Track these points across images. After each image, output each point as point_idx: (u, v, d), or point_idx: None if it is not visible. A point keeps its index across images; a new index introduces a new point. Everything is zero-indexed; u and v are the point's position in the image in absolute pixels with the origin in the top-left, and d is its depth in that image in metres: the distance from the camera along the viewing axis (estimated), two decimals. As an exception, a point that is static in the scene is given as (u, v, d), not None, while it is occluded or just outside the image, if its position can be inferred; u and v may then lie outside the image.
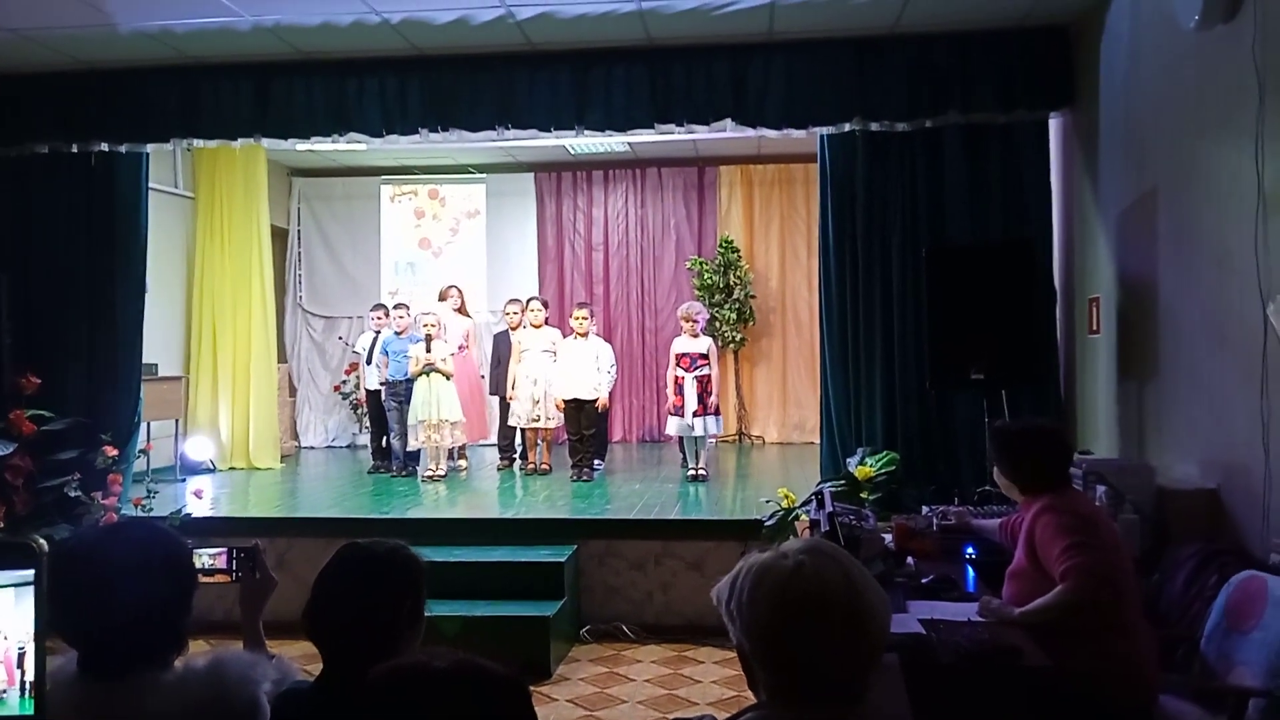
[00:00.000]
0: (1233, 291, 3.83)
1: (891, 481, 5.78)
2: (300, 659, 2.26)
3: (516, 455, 8.40)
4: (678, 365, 7.48)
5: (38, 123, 6.60)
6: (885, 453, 5.92)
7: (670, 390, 7.55)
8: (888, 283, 6.17)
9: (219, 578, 2.25)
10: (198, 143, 6.86)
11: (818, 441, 6.76)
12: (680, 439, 7.88)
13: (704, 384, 7.39)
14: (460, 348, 8.26)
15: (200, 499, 6.77)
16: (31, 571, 1.47)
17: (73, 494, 6.25)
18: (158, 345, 8.06)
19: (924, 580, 3.41)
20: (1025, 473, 3.20)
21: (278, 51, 6.20)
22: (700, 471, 7.47)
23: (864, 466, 5.79)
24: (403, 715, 1.37)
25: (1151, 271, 4.72)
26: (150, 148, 6.82)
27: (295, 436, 10.36)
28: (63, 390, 6.58)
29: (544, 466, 7.96)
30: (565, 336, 7.89)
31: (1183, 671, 3.13)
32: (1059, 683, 2.68)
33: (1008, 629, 2.87)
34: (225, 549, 2.27)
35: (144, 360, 7.10)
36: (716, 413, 7.57)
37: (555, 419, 7.88)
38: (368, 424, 9.04)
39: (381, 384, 8.15)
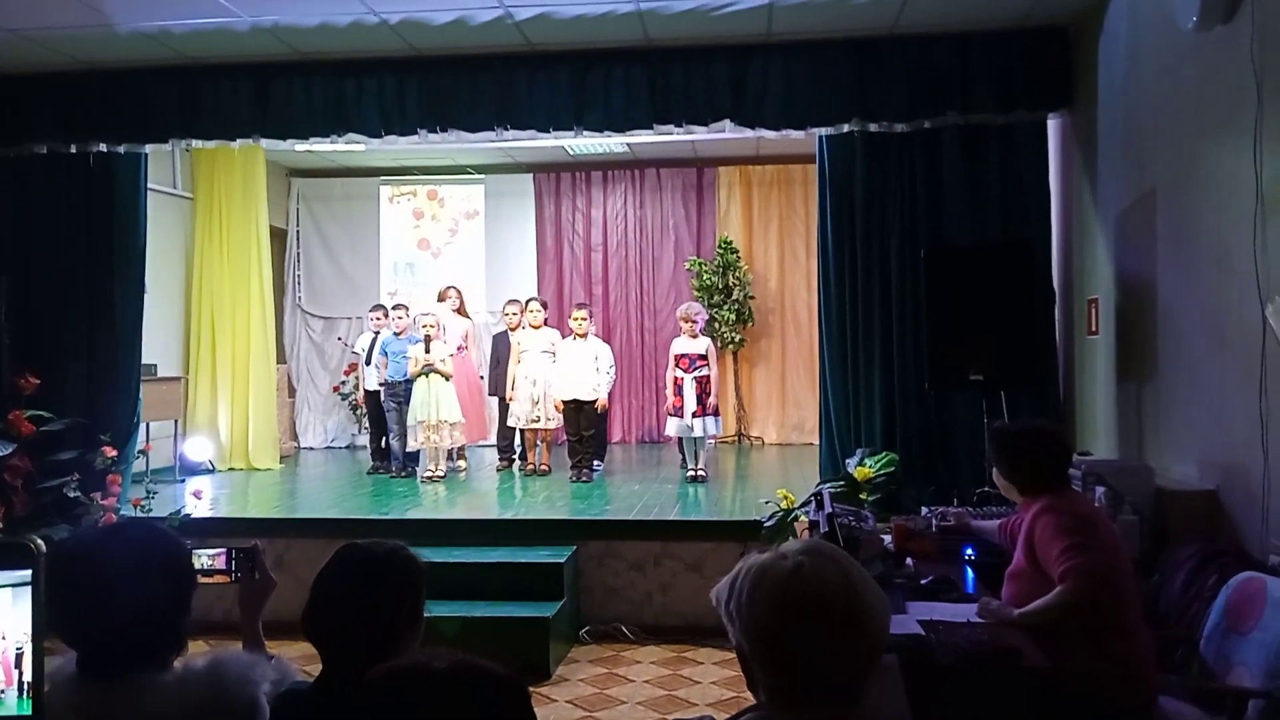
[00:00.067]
0: (1232, 292, 3.83)
1: (890, 482, 5.77)
2: (299, 659, 2.26)
3: (516, 456, 8.40)
4: (677, 366, 7.48)
5: (37, 123, 6.60)
6: (884, 454, 5.92)
7: (669, 391, 7.55)
8: (887, 283, 6.17)
9: (218, 578, 2.25)
10: (196, 143, 6.86)
11: (817, 442, 6.76)
12: (679, 440, 7.88)
13: (703, 385, 7.39)
14: (459, 348, 8.26)
15: (199, 499, 6.77)
16: (29, 572, 1.47)
17: (72, 494, 6.25)
18: (157, 346, 8.06)
19: (923, 581, 3.40)
20: (1024, 474, 3.20)
21: (276, 52, 6.20)
22: (699, 472, 7.47)
23: (863, 467, 5.79)
24: (402, 716, 1.37)
25: (1150, 272, 4.73)
26: (149, 148, 6.82)
27: (294, 437, 10.36)
28: (62, 391, 6.58)
29: (543, 467, 7.96)
30: (564, 337, 7.89)
31: (1182, 672, 3.13)
32: (1058, 684, 2.68)
33: (1007, 630, 2.87)
34: (224, 549, 2.26)
35: (143, 361, 7.10)
36: (716, 413, 7.57)
37: (554, 420, 7.88)
38: (367, 425, 9.04)
39: (381, 385, 8.15)
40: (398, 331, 8.09)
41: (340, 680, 1.82)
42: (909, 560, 3.69)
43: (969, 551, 3.77)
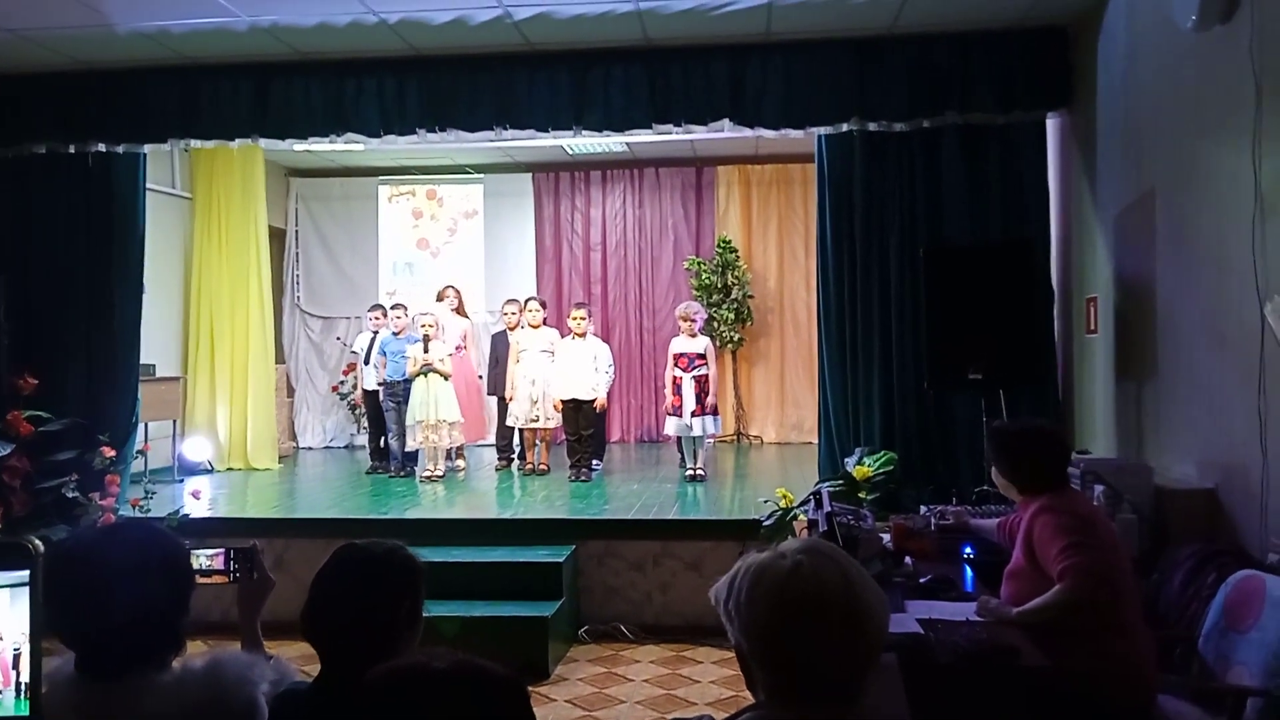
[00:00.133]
0: (1231, 291, 3.83)
1: (890, 481, 5.78)
2: (298, 659, 2.26)
3: (515, 455, 8.40)
4: (675, 365, 7.48)
5: (36, 123, 6.60)
6: (883, 453, 5.92)
7: (668, 390, 7.55)
8: (886, 283, 6.17)
9: (217, 578, 2.25)
10: (195, 143, 6.86)
11: (816, 441, 6.76)
12: (678, 439, 7.87)
13: (702, 384, 7.39)
14: (458, 348, 8.26)
15: (198, 499, 6.78)
16: (26, 572, 1.47)
17: (70, 495, 6.25)
18: (156, 346, 8.06)
19: (922, 580, 3.40)
20: (1023, 473, 3.20)
21: (275, 52, 6.20)
22: (698, 471, 7.47)
23: (862, 466, 5.79)
24: (402, 716, 1.37)
25: (1149, 272, 4.73)
26: (148, 148, 6.83)
27: (293, 437, 10.36)
28: (61, 391, 6.58)
29: (542, 467, 7.96)
30: (563, 337, 7.89)
31: (1181, 671, 3.13)
32: (1057, 683, 2.68)
33: (1006, 629, 2.87)
34: (223, 549, 2.26)
35: (142, 361, 7.10)
36: (715, 413, 7.57)
37: (553, 419, 7.88)
38: (366, 424, 9.03)
39: (379, 384, 8.14)
40: (396, 331, 8.09)
41: (339, 680, 1.82)
42: (908, 559, 3.69)
43: (968, 550, 3.77)
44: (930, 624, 2.89)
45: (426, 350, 7.65)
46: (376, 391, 8.23)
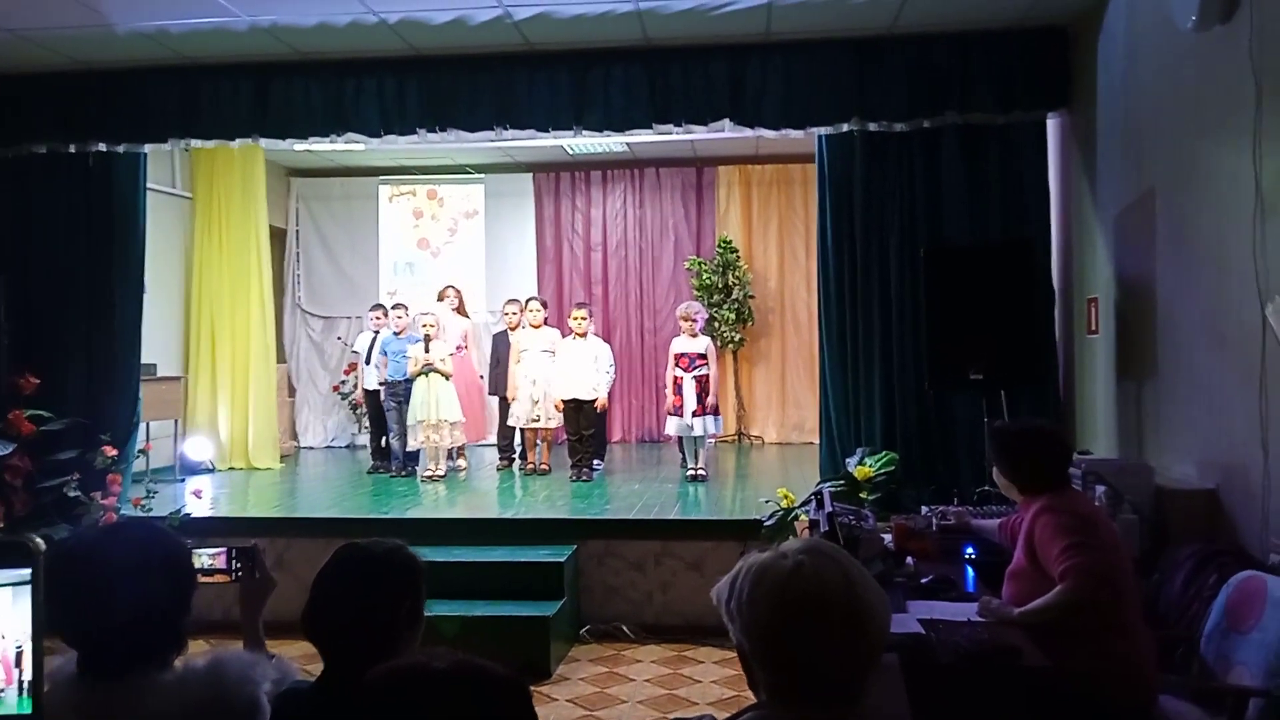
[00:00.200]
0: (1231, 292, 3.83)
1: (891, 481, 5.78)
2: (300, 659, 2.26)
3: (516, 455, 8.40)
4: (676, 365, 7.48)
5: (36, 123, 6.60)
6: (884, 453, 5.92)
7: (669, 390, 7.55)
8: (886, 283, 6.17)
9: (218, 578, 2.25)
10: (196, 143, 6.85)
11: (817, 441, 6.76)
12: (679, 439, 7.88)
13: (703, 384, 7.39)
14: (458, 348, 8.26)
15: (199, 499, 6.77)
16: (28, 571, 1.47)
17: (72, 494, 6.24)
18: (156, 345, 8.06)
19: (923, 580, 3.41)
20: (1024, 473, 3.20)
21: (275, 52, 6.20)
22: (699, 471, 7.47)
23: (863, 467, 5.79)
24: (402, 716, 1.37)
25: (1150, 272, 4.73)
26: (148, 148, 6.82)
27: (294, 437, 10.36)
28: (62, 390, 6.58)
29: (543, 467, 7.96)
30: (564, 337, 7.89)
31: (1182, 672, 3.13)
32: (1058, 683, 2.68)
33: (1007, 629, 2.87)
34: (224, 549, 2.26)
35: (143, 360, 7.10)
36: (715, 413, 7.57)
37: (554, 419, 7.88)
38: (367, 424, 9.04)
39: (380, 384, 8.15)
40: (397, 331, 8.09)
41: (340, 680, 1.82)
42: (909, 559, 3.69)
43: (969, 550, 3.78)
44: (932, 624, 2.90)
45: (427, 350, 7.66)
46: (377, 391, 8.24)
